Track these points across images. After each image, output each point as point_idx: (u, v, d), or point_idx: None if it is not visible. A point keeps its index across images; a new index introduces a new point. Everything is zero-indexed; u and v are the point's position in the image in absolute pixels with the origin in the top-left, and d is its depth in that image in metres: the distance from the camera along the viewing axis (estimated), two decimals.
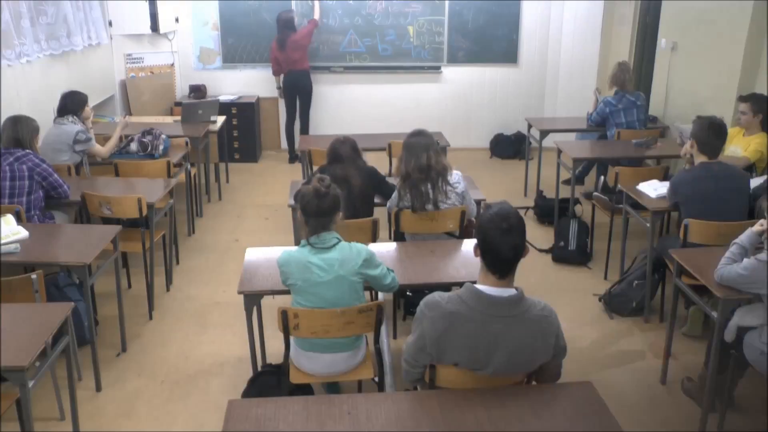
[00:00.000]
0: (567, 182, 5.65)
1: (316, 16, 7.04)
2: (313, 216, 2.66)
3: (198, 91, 7.27)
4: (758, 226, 2.87)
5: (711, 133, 3.59)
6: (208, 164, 6.10)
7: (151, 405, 3.24)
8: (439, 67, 7.52)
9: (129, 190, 4.12)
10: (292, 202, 3.80)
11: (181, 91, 7.43)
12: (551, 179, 5.68)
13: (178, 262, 4.79)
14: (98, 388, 3.34)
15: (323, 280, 2.63)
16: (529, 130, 6.30)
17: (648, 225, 3.92)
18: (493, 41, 7.41)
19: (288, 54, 6.82)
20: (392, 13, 7.27)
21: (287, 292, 2.79)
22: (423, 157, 3.45)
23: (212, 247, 5.10)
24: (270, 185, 6.56)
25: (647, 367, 3.54)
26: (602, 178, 5.19)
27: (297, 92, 7.07)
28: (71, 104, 4.52)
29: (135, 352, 3.70)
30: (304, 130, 7.19)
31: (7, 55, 4.62)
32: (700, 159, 3.66)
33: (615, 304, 4.10)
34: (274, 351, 3.32)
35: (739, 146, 4.33)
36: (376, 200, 3.88)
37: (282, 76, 7.04)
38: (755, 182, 3.88)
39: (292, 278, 2.68)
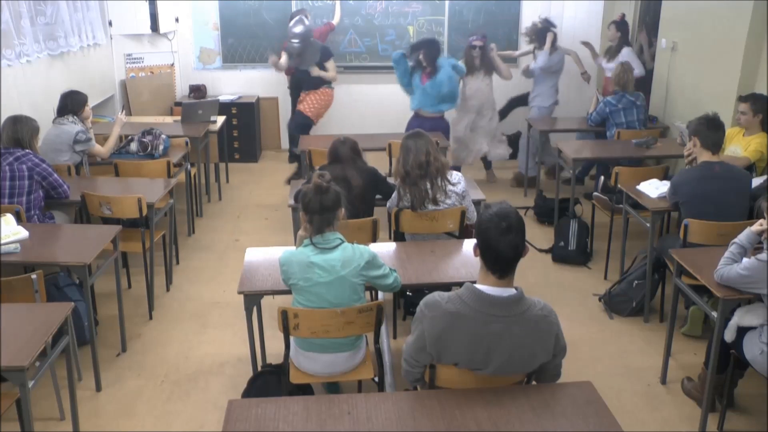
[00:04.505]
0: (567, 182, 5.65)
1: (336, 19, 7.02)
2: (317, 213, 2.65)
3: (198, 91, 7.26)
4: (757, 226, 2.87)
5: (710, 127, 3.65)
6: (208, 164, 6.10)
7: (151, 405, 3.24)
8: None
9: (129, 190, 4.12)
10: (292, 202, 3.80)
11: (181, 91, 7.43)
12: (551, 179, 5.68)
13: (178, 262, 4.79)
14: (98, 388, 3.34)
15: (324, 281, 2.62)
16: (529, 130, 6.30)
17: (648, 225, 3.92)
18: (493, 41, 7.36)
19: None
20: (392, 13, 7.27)
21: (287, 292, 2.79)
22: (421, 153, 3.45)
23: (212, 247, 5.10)
24: (270, 185, 6.56)
25: (647, 367, 3.54)
26: (602, 178, 5.19)
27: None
28: (71, 104, 4.51)
29: (135, 352, 3.70)
30: None
31: (7, 55, 4.62)
32: (703, 157, 3.67)
33: (615, 304, 4.11)
34: (274, 351, 3.32)
35: (739, 146, 4.33)
36: (376, 200, 3.87)
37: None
38: (755, 182, 3.88)
39: (293, 278, 2.67)
